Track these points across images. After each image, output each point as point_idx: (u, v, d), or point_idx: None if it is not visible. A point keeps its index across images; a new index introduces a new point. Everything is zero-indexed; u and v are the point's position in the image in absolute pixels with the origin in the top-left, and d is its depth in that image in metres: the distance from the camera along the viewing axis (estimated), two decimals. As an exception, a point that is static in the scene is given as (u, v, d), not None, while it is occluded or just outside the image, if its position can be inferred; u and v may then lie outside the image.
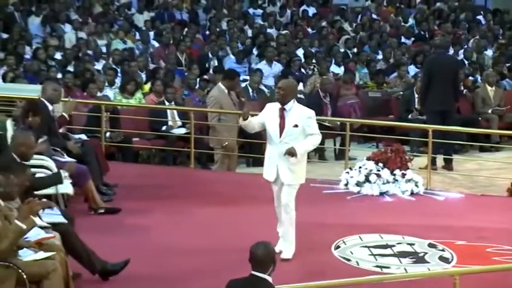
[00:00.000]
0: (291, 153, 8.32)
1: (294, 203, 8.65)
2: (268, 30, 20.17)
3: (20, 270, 6.83)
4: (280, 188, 8.62)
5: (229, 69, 14.36)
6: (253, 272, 6.16)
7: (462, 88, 15.05)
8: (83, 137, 10.91)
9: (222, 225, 9.79)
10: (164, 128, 13.15)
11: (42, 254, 7.12)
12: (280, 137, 8.42)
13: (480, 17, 22.60)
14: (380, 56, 18.06)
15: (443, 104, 12.93)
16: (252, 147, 13.05)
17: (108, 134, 12.64)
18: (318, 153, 14.08)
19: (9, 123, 9.91)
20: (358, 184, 11.19)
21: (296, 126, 8.40)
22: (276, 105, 8.50)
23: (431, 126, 11.99)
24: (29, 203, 6.98)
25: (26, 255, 7.09)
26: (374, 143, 14.73)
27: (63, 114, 10.56)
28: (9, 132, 9.76)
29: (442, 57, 13.45)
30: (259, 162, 13.10)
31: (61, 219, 7.93)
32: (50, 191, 8.92)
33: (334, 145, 14.37)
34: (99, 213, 9.87)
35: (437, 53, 13.78)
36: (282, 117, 8.42)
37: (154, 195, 10.83)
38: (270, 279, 6.15)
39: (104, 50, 18.08)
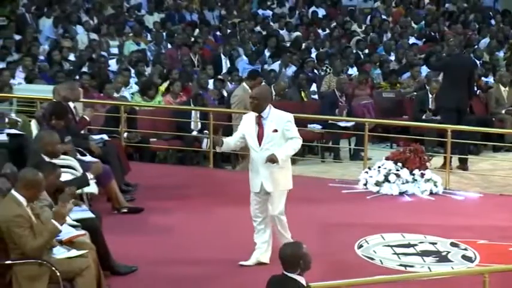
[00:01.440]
0: (272, 160, 8.12)
1: (283, 208, 8.44)
2: (279, 32, 20.24)
3: (53, 268, 6.92)
4: (265, 198, 8.38)
5: (252, 70, 14.58)
6: (284, 272, 6.24)
7: (475, 88, 15.11)
8: (105, 137, 10.98)
9: (243, 225, 9.80)
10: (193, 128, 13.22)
11: (75, 252, 7.23)
12: (260, 145, 8.26)
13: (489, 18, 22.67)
14: (392, 57, 18.11)
15: (459, 103, 13.03)
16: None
17: (125, 134, 12.69)
18: (333, 153, 14.15)
19: (33, 124, 9.98)
20: (378, 184, 11.26)
21: (276, 131, 8.23)
22: (253, 114, 8.37)
23: (450, 126, 12.06)
24: (64, 205, 7.09)
25: (59, 253, 7.20)
26: (388, 143, 14.80)
27: (84, 116, 10.62)
28: (34, 133, 9.83)
29: (459, 58, 13.55)
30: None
31: (90, 214, 8.04)
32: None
33: (349, 145, 14.42)
34: (122, 212, 9.95)
35: (455, 53, 13.84)
36: (259, 125, 8.28)
37: (175, 195, 10.91)
38: (299, 278, 6.21)
39: (115, 51, 18.19)
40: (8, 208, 6.97)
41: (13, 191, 7.09)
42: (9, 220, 6.89)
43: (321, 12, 22.54)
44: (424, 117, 14.39)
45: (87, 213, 8.06)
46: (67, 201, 7.29)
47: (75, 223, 7.73)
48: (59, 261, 7.06)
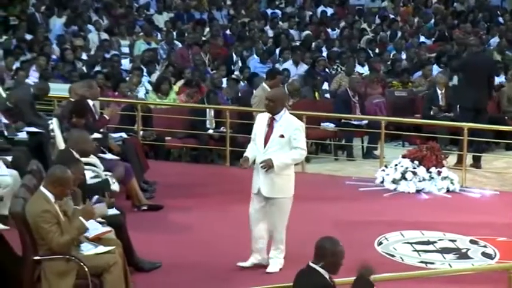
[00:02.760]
0: (267, 165, 8.02)
1: (285, 225, 8.31)
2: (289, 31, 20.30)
3: (81, 263, 6.97)
4: (264, 202, 8.26)
5: (271, 69, 14.64)
6: (309, 262, 6.29)
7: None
8: (123, 135, 11.04)
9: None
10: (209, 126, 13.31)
11: (102, 248, 7.29)
12: (264, 147, 8.15)
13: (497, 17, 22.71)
14: (403, 56, 18.16)
15: (478, 103, 13.10)
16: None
17: (141, 132, 12.74)
18: (346, 152, 14.20)
19: (54, 122, 10.04)
20: (394, 182, 11.32)
21: (282, 136, 8.10)
22: (267, 115, 8.28)
23: (466, 124, 12.09)
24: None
25: (87, 249, 7.26)
26: (400, 141, 14.84)
27: (104, 115, 10.68)
28: (55, 131, 9.90)
29: (478, 57, 13.59)
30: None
31: (115, 211, 8.11)
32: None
33: (362, 143, 14.46)
34: (142, 210, 10.00)
35: (474, 52, 13.86)
36: (270, 127, 8.19)
37: (193, 193, 10.97)
38: (321, 270, 6.24)
39: (126, 50, 18.25)
40: (36, 204, 7.03)
41: (42, 188, 7.15)
42: (37, 215, 6.95)
43: (329, 11, 22.61)
44: (432, 113, 14.37)
45: (112, 210, 8.11)
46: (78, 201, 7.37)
47: (101, 220, 7.77)
48: (87, 257, 7.12)
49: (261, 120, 8.32)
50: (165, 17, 21.18)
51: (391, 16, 22.40)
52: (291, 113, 11.90)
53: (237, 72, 16.78)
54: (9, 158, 9.38)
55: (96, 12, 20.55)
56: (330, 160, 14.08)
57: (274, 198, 8.21)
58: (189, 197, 10.79)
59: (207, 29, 20.12)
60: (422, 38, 20.04)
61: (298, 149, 8.14)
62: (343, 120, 13.97)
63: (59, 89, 12.34)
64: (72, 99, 10.34)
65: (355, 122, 14.00)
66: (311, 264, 6.24)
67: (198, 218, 9.99)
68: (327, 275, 6.22)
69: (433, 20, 21.83)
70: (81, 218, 7.04)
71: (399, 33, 20.29)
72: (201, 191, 11.11)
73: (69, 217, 7.17)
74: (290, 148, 8.12)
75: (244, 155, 8.26)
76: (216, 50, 18.15)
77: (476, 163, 13.19)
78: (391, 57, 17.84)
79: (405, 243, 9.36)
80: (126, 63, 16.70)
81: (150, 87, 14.49)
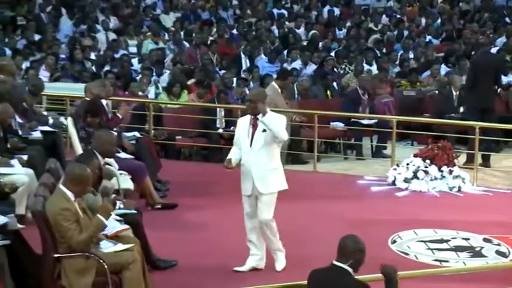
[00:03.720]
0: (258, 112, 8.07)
1: (272, 214, 8.29)
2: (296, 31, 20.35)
3: (101, 261, 7.01)
4: (255, 201, 8.28)
5: (282, 69, 14.66)
6: (333, 261, 6.29)
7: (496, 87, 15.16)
8: (137, 134, 11.07)
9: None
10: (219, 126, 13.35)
11: (121, 246, 7.32)
12: (251, 145, 8.17)
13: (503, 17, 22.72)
14: (410, 55, 18.20)
15: (485, 102, 13.12)
16: (292, 145, 13.19)
17: (152, 132, 12.78)
18: (356, 151, 14.23)
19: (69, 121, 10.09)
20: (406, 180, 11.36)
21: (265, 130, 8.13)
22: (248, 117, 8.28)
23: (478, 124, 12.13)
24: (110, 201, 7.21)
25: (106, 247, 7.29)
26: (409, 141, 14.85)
27: (118, 114, 10.72)
28: (70, 130, 9.94)
29: (486, 56, 13.62)
30: (299, 160, 13.37)
31: (132, 210, 8.15)
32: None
33: (371, 142, 14.49)
34: (156, 208, 10.03)
35: (482, 52, 13.88)
36: (254, 126, 8.19)
37: (206, 191, 11.00)
38: (349, 269, 6.26)
39: (133, 50, 18.30)
40: (56, 202, 7.07)
41: (61, 186, 7.18)
42: (57, 213, 6.98)
43: (335, 11, 22.65)
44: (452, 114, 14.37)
45: (129, 209, 8.15)
46: (110, 197, 7.40)
47: (118, 218, 7.82)
48: (106, 254, 7.15)
49: (243, 123, 8.32)
50: (171, 17, 21.23)
51: (397, 16, 22.44)
52: (300, 112, 12.02)
53: (245, 71, 16.85)
54: (25, 157, 9.40)
55: (103, 12, 20.60)
56: (339, 159, 14.10)
57: (268, 193, 8.21)
58: (201, 195, 10.83)
59: (214, 29, 20.16)
60: (429, 38, 20.07)
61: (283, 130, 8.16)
62: (352, 119, 14.01)
63: (70, 89, 12.39)
64: (86, 99, 10.37)
65: (365, 122, 14.03)
66: (337, 263, 6.22)
67: (211, 217, 10.02)
68: (353, 274, 6.22)
69: (439, 20, 21.86)
70: (99, 215, 7.07)
71: (406, 33, 20.30)
72: (213, 190, 11.12)
73: (88, 214, 7.21)
74: (276, 143, 8.16)
75: (228, 157, 8.32)
76: (223, 49, 18.19)
77: (486, 162, 13.21)
78: (398, 57, 17.83)
79: (419, 241, 9.41)
80: (134, 63, 16.73)
81: (160, 87, 14.52)
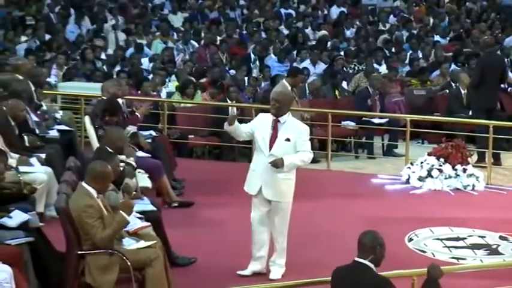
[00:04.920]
0: (276, 165, 7.83)
1: (287, 227, 8.15)
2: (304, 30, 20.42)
3: (124, 258, 7.05)
4: (266, 208, 8.10)
5: (292, 67, 14.64)
6: (355, 258, 6.34)
7: (506, 85, 15.22)
8: (153, 133, 11.12)
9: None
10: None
11: (144, 243, 7.37)
12: (270, 150, 7.92)
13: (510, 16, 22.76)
14: (420, 55, 18.24)
15: (490, 102, 13.15)
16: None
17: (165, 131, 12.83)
18: (367, 150, 14.26)
19: (87, 120, 10.14)
20: (421, 179, 11.41)
21: (288, 140, 7.91)
22: (270, 116, 8.05)
23: (492, 122, 12.16)
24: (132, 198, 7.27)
25: (129, 244, 7.34)
26: (419, 140, 14.88)
27: (137, 113, 10.77)
28: (88, 128, 10.00)
29: (492, 57, 13.65)
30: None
31: (152, 207, 8.21)
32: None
33: (382, 141, 14.52)
34: (173, 207, 10.08)
35: (489, 51, 13.91)
36: (275, 129, 7.97)
37: (221, 189, 11.00)
38: (371, 265, 6.31)
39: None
40: (79, 199, 7.13)
41: (83, 183, 7.24)
42: (81, 210, 7.04)
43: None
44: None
45: (148, 206, 8.22)
46: (131, 194, 7.46)
47: (139, 215, 7.87)
48: (130, 251, 7.20)
49: (264, 120, 8.11)
50: (179, 17, 21.29)
51: (405, 15, 22.50)
52: (313, 110, 11.97)
53: (255, 71, 16.90)
54: (43, 156, 9.46)
55: (111, 13, 20.66)
56: (350, 158, 14.13)
57: (277, 201, 8.06)
58: (216, 193, 10.85)
59: (223, 29, 20.21)
60: (437, 38, 20.12)
61: (306, 152, 7.97)
62: (363, 118, 14.05)
63: (84, 88, 12.44)
64: (103, 98, 10.42)
65: (376, 121, 14.06)
66: (358, 259, 6.26)
67: (228, 215, 10.03)
68: (374, 268, 6.27)
69: (446, 20, 21.92)
70: (122, 212, 7.12)
71: (414, 33, 20.35)
72: (228, 188, 11.10)
73: (110, 212, 7.26)
74: (295, 152, 7.93)
75: (234, 115, 8.27)
76: (233, 49, 18.24)
77: (497, 161, 13.25)
78: (408, 56, 17.87)
79: (435, 239, 9.46)
80: (145, 62, 16.78)
81: (173, 87, 14.58)
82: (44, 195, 8.99)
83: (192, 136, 13.35)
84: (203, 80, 15.02)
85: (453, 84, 15.20)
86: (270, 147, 7.93)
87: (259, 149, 8.03)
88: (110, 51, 17.89)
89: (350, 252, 6.42)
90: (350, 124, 14.23)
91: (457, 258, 8.89)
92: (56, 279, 7.49)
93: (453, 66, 17.25)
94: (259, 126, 8.09)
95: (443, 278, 8.10)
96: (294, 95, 12.28)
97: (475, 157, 12.76)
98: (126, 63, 16.28)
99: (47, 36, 18.20)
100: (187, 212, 10.05)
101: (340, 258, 6.67)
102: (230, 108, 13.46)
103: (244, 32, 20.36)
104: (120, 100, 10.63)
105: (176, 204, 10.11)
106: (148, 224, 7.74)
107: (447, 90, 15.42)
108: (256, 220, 8.18)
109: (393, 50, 18.78)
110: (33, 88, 10.57)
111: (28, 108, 9.95)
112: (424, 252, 9.08)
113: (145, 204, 8.21)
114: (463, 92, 14.59)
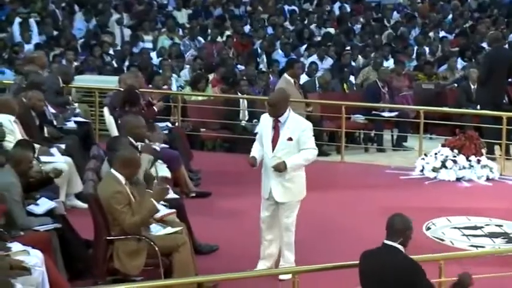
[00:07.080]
0: (278, 169, 7.75)
1: (294, 223, 8.03)
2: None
3: (152, 243, 7.11)
4: (275, 206, 8.00)
5: (287, 60, 14.73)
6: (384, 241, 6.42)
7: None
8: (169, 124, 11.19)
9: (305, 207, 9.97)
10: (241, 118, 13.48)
11: (171, 229, 7.43)
12: (273, 151, 7.85)
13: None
14: (426, 50, 18.32)
15: (498, 97, 13.22)
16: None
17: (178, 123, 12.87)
18: (377, 143, 14.31)
19: (105, 111, 10.20)
20: (435, 170, 11.48)
21: (290, 139, 7.80)
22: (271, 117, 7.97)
23: (505, 114, 12.21)
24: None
25: (156, 230, 7.41)
26: (428, 133, 14.91)
27: (154, 107, 10.84)
28: (107, 119, 10.05)
29: (499, 51, 13.70)
30: (320, 152, 13.42)
31: (175, 195, 8.30)
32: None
33: (392, 133, 14.57)
34: (190, 197, 10.14)
35: (496, 46, 13.96)
36: (276, 129, 7.86)
37: (237, 180, 11.05)
38: (400, 247, 6.39)
39: (149, 45, 18.37)
40: (108, 185, 7.19)
41: (112, 170, 7.29)
42: (110, 197, 7.10)
43: (346, 8, 22.79)
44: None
45: (171, 194, 8.25)
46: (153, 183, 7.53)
47: (163, 202, 7.91)
48: (157, 237, 7.27)
49: (266, 121, 8.01)
50: (183, 14, 21.34)
51: (408, 11, 22.61)
52: (324, 103, 11.91)
53: (262, 66, 16.97)
54: (63, 146, 9.52)
55: (116, 9, 20.69)
56: (360, 151, 14.19)
57: (285, 202, 7.98)
58: (232, 184, 10.94)
59: (228, 25, 20.27)
60: (443, 33, 20.20)
61: (310, 149, 7.89)
62: (373, 112, 14.10)
63: (97, 81, 12.52)
64: (121, 89, 10.48)
65: (386, 114, 14.12)
66: (388, 242, 6.34)
67: (245, 204, 9.98)
68: (403, 250, 6.34)
69: (450, 15, 22.01)
70: (153, 199, 7.17)
71: (420, 29, 20.44)
72: (242, 179, 11.09)
73: (137, 199, 7.31)
74: (298, 150, 7.84)
75: (251, 155, 8.03)
76: (240, 45, 18.31)
77: (506, 153, 13.30)
78: (415, 51, 17.95)
79: (453, 228, 9.53)
80: (153, 57, 16.83)
81: (182, 81, 14.63)
82: (65, 184, 9.05)
83: (204, 129, 13.41)
84: (211, 76, 15.04)
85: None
86: (273, 149, 7.87)
87: (265, 152, 7.97)
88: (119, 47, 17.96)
89: (370, 241, 6.53)
90: (359, 118, 14.27)
91: (476, 246, 8.96)
92: (81, 265, 7.54)
93: (459, 61, 17.33)
94: (263, 128, 8.03)
95: (463, 265, 8.21)
96: (297, 87, 12.39)
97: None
98: (134, 58, 16.33)
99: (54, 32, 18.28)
100: (205, 202, 10.13)
101: (358, 248, 6.63)
102: (241, 101, 13.53)
103: (249, 27, 20.42)
104: (137, 93, 10.69)
105: (194, 195, 10.18)
106: (174, 210, 7.82)
107: (455, 84, 15.48)
108: (265, 220, 8.10)
109: (399, 45, 18.83)
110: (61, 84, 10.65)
111: (47, 101, 10.03)
112: (442, 240, 9.15)
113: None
114: (472, 86, 14.64)
